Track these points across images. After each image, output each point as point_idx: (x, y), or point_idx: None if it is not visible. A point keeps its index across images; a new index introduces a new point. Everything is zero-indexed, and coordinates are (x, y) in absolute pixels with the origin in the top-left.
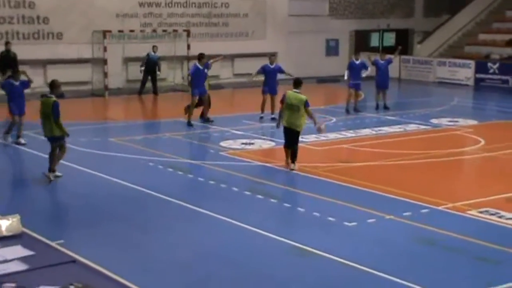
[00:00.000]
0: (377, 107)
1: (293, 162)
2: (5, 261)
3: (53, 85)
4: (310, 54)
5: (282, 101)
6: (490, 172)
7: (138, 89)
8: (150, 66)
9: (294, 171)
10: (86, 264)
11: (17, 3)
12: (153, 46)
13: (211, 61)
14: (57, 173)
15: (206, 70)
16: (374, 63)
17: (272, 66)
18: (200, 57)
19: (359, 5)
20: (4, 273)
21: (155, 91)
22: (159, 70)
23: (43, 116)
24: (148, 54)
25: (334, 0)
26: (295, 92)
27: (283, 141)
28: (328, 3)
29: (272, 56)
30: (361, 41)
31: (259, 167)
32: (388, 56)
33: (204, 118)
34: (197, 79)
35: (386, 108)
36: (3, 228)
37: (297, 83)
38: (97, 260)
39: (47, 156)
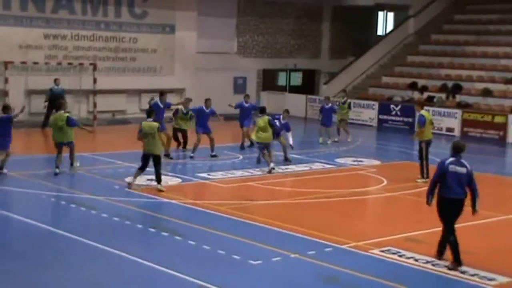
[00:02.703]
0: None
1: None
2: None
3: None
4: (219, 91)
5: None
6: (392, 211)
7: (41, 122)
8: (55, 99)
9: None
10: None
11: None
12: (55, 79)
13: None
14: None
15: (165, 109)
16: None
17: (207, 111)
18: (161, 93)
19: (267, 45)
20: None
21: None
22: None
23: None
24: (51, 89)
25: (242, 39)
26: (148, 121)
27: (190, 177)
28: (237, 42)
29: (207, 100)
30: (268, 80)
31: (164, 204)
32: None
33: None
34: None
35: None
36: None
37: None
38: None
39: None
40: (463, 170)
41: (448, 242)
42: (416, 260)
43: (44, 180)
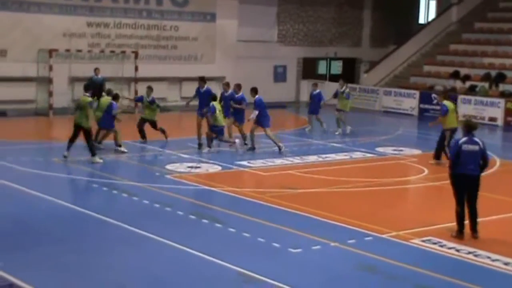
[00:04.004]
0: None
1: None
2: None
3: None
4: (258, 79)
5: None
6: (433, 201)
7: None
8: (95, 88)
9: None
10: None
11: None
12: (95, 69)
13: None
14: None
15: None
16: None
17: (226, 95)
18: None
19: (308, 33)
20: None
21: None
22: (104, 91)
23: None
24: (91, 77)
25: (283, 27)
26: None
27: (230, 165)
28: (277, 30)
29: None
30: (308, 68)
31: (205, 191)
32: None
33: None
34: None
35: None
36: None
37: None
38: (34, 284)
39: None
40: (475, 147)
41: (456, 212)
42: (458, 251)
43: (87, 166)
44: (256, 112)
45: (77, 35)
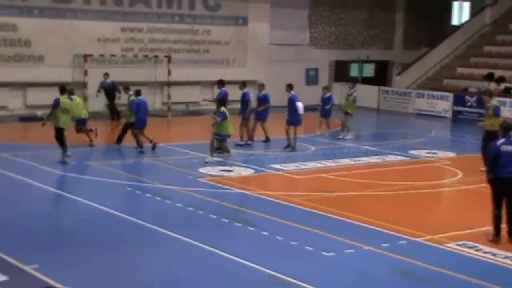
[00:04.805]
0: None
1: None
2: None
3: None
4: (290, 82)
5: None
6: (468, 204)
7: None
8: (107, 93)
9: None
10: None
11: (0, 26)
12: (104, 74)
13: None
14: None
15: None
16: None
17: (260, 94)
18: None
19: (340, 36)
20: None
21: (113, 117)
22: (119, 92)
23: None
24: (102, 82)
25: (315, 30)
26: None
27: (263, 168)
28: (309, 33)
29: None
30: (340, 71)
31: (237, 194)
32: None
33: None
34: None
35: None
36: None
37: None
38: (70, 285)
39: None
40: None
41: (492, 215)
42: (494, 255)
43: (121, 169)
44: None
45: (111, 40)
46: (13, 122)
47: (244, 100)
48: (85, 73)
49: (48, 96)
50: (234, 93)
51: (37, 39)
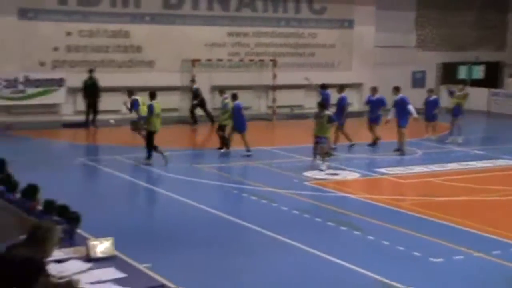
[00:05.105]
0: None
1: None
2: (99, 282)
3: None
4: (396, 85)
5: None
6: None
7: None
8: (192, 97)
9: None
10: None
11: (114, 33)
12: (191, 80)
13: None
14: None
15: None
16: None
17: (373, 98)
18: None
19: (447, 37)
20: None
21: (195, 121)
22: (195, 99)
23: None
24: (191, 87)
25: (421, 32)
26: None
27: (368, 172)
28: (415, 35)
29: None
30: (448, 73)
31: (343, 198)
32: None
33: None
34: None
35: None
36: (98, 250)
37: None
38: (181, 285)
39: (131, 178)
40: None
41: None
42: None
43: (226, 172)
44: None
45: (218, 45)
46: (126, 125)
47: (340, 105)
48: (193, 77)
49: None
50: (333, 96)
51: (148, 45)
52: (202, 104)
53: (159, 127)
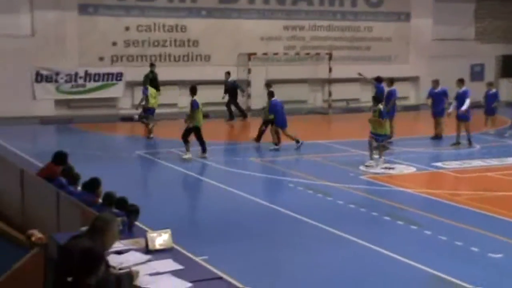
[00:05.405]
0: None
1: None
2: (158, 273)
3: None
4: (453, 78)
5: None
6: None
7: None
8: (229, 92)
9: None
10: (231, 282)
11: (171, 27)
12: (226, 73)
13: None
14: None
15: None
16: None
17: (436, 90)
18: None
19: (508, 30)
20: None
21: (242, 114)
22: (242, 91)
23: None
24: (225, 81)
25: (481, 25)
26: None
27: (425, 166)
28: (474, 28)
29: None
30: (508, 66)
31: (399, 192)
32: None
33: None
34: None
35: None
36: (156, 242)
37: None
38: (236, 277)
39: (187, 171)
40: None
41: None
42: None
43: (282, 166)
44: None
45: (274, 38)
46: (181, 118)
47: (388, 98)
48: (249, 71)
49: (213, 94)
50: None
51: (205, 39)
52: (234, 97)
53: (201, 122)
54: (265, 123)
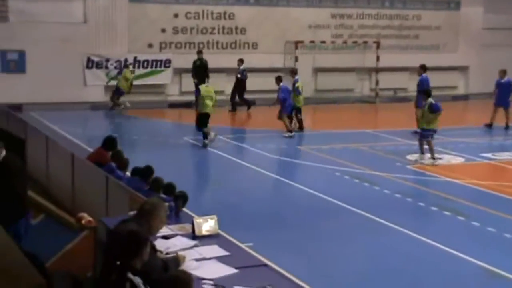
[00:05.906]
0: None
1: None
2: (204, 259)
3: None
4: (503, 68)
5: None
6: None
7: (328, 99)
8: (238, 81)
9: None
10: (276, 269)
11: (219, 14)
12: (238, 60)
13: None
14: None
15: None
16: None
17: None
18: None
19: None
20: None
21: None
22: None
23: None
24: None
25: None
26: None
27: (474, 157)
28: None
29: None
30: None
31: (447, 183)
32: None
33: None
34: None
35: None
36: (203, 228)
37: None
38: (279, 264)
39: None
40: None
41: None
42: None
43: (329, 154)
44: None
45: (322, 26)
46: (228, 106)
47: (420, 86)
48: (296, 59)
49: (261, 82)
50: (436, 79)
51: (252, 27)
52: (240, 87)
53: (210, 110)
54: (297, 110)
